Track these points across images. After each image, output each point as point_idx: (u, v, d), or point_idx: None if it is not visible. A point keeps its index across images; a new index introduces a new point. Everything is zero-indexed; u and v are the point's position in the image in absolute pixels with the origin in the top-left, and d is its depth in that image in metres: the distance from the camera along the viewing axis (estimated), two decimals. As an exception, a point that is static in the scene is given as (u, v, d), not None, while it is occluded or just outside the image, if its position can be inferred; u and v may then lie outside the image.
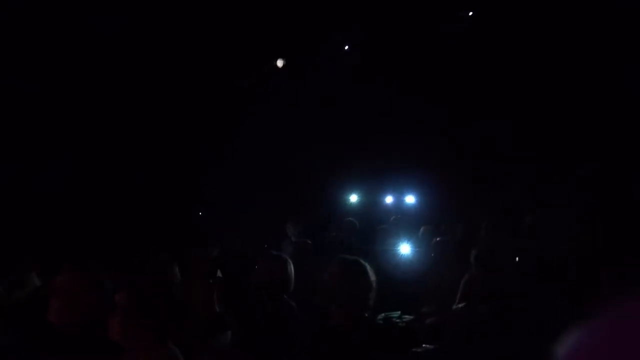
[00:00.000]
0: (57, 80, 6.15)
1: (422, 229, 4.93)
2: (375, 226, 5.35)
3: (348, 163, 7.38)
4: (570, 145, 5.80)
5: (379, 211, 7.23)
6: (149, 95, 6.81)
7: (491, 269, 3.00)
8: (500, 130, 6.15)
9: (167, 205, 6.75)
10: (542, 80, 6.17)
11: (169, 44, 6.52)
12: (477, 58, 6.52)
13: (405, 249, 4.14)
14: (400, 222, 5.54)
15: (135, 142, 6.77)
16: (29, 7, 5.68)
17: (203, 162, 7.51)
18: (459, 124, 6.52)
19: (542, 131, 6.15)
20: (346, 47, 7.18)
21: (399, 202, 7.45)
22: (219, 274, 3.23)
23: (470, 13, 6.40)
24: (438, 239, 4.02)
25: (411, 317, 3.05)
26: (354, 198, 7.48)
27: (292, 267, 2.79)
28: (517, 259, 3.41)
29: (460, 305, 3.14)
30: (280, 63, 7.19)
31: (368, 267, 2.29)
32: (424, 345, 2.80)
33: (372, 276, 2.26)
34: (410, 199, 7.35)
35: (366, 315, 2.27)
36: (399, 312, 3.02)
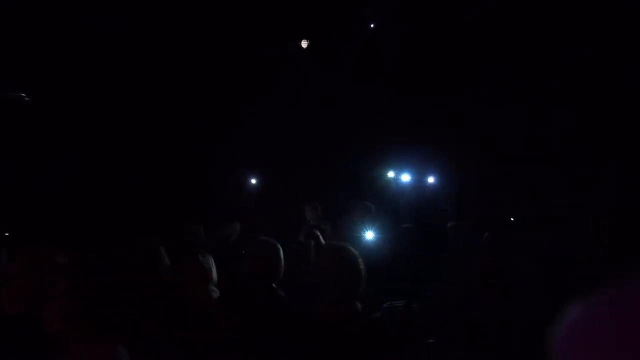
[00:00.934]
0: (57, 80, 6.13)
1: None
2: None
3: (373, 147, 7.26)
4: (585, 142, 5.68)
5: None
6: (149, 94, 6.75)
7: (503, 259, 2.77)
8: (521, 121, 6.01)
9: (172, 197, 6.63)
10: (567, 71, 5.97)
11: (169, 44, 6.48)
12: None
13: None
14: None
15: (135, 142, 6.70)
16: (29, 7, 5.69)
17: (211, 156, 7.42)
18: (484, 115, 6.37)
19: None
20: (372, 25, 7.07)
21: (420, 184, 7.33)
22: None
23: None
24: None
25: (417, 306, 2.81)
26: (391, 174, 7.38)
27: (281, 253, 2.58)
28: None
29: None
30: (304, 44, 7.11)
31: (357, 255, 2.13)
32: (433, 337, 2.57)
33: (362, 264, 2.11)
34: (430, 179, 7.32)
35: (358, 305, 2.10)
36: (405, 301, 2.78)
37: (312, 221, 4.86)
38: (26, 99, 6.02)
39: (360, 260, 2.12)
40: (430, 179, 7.31)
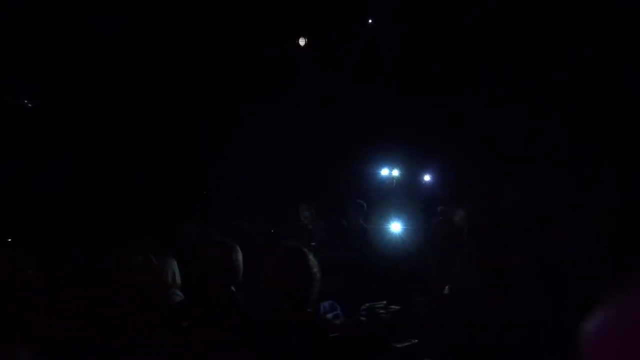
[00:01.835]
0: (57, 81, 6.13)
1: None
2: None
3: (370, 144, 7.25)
4: (585, 142, 5.68)
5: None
6: (149, 95, 6.75)
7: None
8: (523, 116, 6.01)
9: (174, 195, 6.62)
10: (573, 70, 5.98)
11: (169, 44, 6.48)
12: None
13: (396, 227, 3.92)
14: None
15: (136, 142, 6.70)
16: (29, 7, 5.68)
17: (211, 156, 7.42)
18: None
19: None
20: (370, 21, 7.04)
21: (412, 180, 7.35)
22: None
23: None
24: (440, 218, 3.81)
25: (397, 307, 2.76)
26: (395, 172, 7.35)
27: (239, 255, 2.45)
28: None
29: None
30: (302, 42, 7.08)
31: (310, 256, 2.05)
32: (408, 340, 2.53)
33: (315, 266, 2.03)
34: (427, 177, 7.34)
35: (308, 310, 2.03)
36: (385, 302, 2.74)
37: (306, 221, 4.77)
38: (29, 105, 6.02)
39: (313, 263, 2.03)
40: (427, 177, 7.33)
